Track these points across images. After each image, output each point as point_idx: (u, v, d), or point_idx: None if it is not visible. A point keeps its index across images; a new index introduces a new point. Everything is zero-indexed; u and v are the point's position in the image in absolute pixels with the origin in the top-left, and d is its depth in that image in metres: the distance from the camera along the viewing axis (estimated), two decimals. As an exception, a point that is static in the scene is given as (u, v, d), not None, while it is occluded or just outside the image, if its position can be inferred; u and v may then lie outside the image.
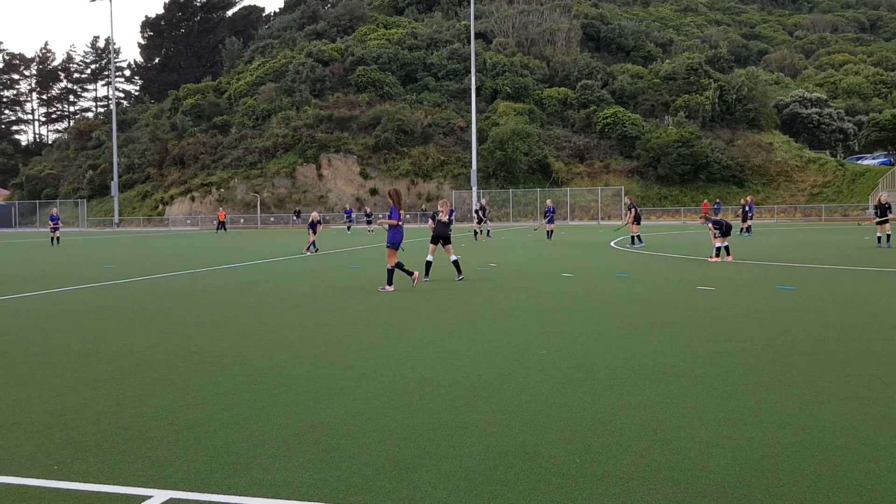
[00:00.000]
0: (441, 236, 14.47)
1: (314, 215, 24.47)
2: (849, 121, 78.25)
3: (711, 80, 73.02)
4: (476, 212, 35.32)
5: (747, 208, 34.44)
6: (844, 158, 73.23)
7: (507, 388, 5.88)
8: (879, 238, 23.28)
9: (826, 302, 10.62)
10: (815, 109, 76.81)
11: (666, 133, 66.56)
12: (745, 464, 4.11)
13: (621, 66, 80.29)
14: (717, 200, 56.72)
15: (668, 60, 79.52)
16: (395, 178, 69.13)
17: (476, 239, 32.78)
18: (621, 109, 71.53)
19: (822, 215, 57.65)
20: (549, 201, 33.35)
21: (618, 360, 6.89)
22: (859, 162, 69.62)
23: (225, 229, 55.84)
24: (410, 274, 13.17)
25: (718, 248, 18.31)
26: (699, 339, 7.88)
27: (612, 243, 27.54)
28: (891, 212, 23.09)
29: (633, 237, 25.49)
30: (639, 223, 25.60)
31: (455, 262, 14.65)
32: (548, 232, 31.71)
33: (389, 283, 12.99)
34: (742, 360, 6.80)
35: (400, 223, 13.12)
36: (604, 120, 70.63)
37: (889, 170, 59.65)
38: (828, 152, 73.80)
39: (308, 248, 24.27)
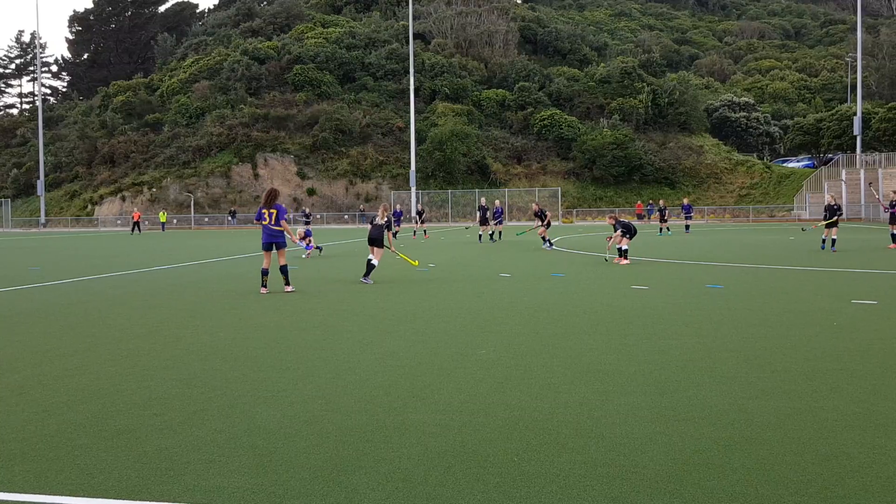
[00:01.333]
0: (371, 238, 14.54)
1: None
2: (775, 125, 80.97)
3: (644, 84, 74.56)
4: (418, 213, 38.69)
5: (659, 210, 37.95)
6: (771, 161, 75.75)
7: (445, 389, 5.89)
8: (824, 241, 21.84)
9: (753, 300, 10.96)
10: (743, 113, 79.26)
11: (601, 135, 67.73)
12: (677, 459, 4.21)
13: (558, 68, 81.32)
14: (651, 202, 57.98)
15: (602, 64, 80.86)
16: (332, 179, 68.63)
17: (414, 238, 34.39)
18: (558, 111, 72.47)
19: (750, 216, 59.46)
20: (497, 202, 33.10)
21: (555, 358, 6.98)
22: (785, 164, 72.19)
23: (139, 230, 54.24)
24: (263, 285, 12.80)
25: (621, 250, 18.83)
26: (633, 336, 8.04)
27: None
28: (840, 214, 21.79)
29: (543, 238, 25.78)
30: (548, 227, 26.46)
31: (369, 261, 14.45)
32: (493, 233, 31.21)
33: (263, 286, 12.78)
34: (674, 357, 6.97)
35: (263, 223, 12.75)
36: (541, 122, 71.47)
37: (812, 172, 62.00)
38: (755, 155, 76.22)
39: None
